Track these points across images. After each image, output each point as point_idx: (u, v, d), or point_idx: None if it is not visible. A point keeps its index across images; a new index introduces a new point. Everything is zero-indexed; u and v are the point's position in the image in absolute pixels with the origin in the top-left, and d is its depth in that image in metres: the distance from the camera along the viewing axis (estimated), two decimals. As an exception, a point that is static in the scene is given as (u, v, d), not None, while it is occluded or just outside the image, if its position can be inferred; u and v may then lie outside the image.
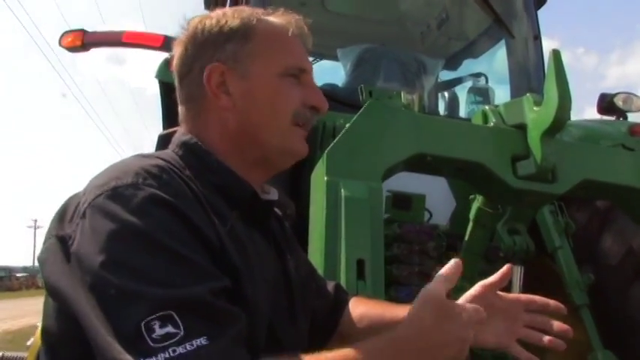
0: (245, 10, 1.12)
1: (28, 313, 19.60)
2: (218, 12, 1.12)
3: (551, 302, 1.25)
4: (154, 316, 0.77)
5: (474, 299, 1.17)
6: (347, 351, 0.89)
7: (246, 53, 1.07)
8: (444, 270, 0.96)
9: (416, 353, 0.89)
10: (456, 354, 0.91)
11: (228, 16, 1.10)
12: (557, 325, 1.23)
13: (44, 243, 0.95)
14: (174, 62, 1.13)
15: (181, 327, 0.78)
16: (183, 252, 0.85)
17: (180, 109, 1.14)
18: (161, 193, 0.89)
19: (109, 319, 0.80)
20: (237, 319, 0.86)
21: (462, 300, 1.19)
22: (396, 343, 0.89)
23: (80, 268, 0.85)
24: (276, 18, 1.13)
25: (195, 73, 1.08)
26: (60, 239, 0.91)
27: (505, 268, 1.20)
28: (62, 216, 0.94)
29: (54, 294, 0.91)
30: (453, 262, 0.98)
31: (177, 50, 1.12)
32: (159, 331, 0.77)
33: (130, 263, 0.82)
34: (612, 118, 3.01)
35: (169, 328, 0.77)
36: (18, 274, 67.05)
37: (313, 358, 0.89)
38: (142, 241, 0.84)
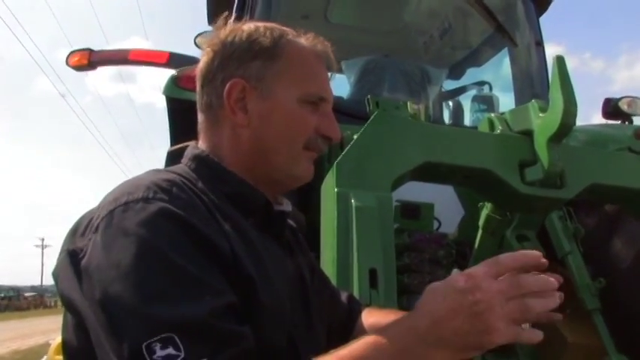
0: (276, 29, 1.12)
1: (36, 332, 19.64)
2: (250, 25, 1.12)
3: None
4: (155, 338, 0.78)
5: None
6: (352, 348, 0.88)
7: (271, 74, 1.08)
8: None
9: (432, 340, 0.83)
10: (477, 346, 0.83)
11: (260, 32, 1.10)
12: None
13: (57, 259, 0.97)
14: (199, 68, 1.13)
15: (182, 349, 0.78)
16: (189, 268, 0.86)
17: (200, 116, 1.15)
18: (171, 207, 0.90)
19: (113, 338, 0.81)
20: (240, 338, 0.86)
21: None
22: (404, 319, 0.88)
23: (90, 282, 0.86)
24: (305, 41, 1.13)
25: (216, 83, 1.09)
26: (70, 253, 0.92)
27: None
28: (75, 231, 0.96)
29: (69, 308, 0.93)
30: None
31: (205, 57, 1.12)
32: (160, 353, 0.78)
33: (135, 279, 0.83)
34: (618, 122, 3.02)
35: (170, 350, 0.78)
36: (26, 294, 67.08)
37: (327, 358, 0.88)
38: (149, 255, 0.85)
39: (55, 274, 0.95)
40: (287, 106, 1.08)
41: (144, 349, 0.78)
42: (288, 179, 1.13)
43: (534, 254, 0.89)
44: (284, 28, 1.14)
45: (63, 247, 0.96)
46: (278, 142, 1.08)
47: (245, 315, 0.90)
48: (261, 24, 1.14)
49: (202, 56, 1.13)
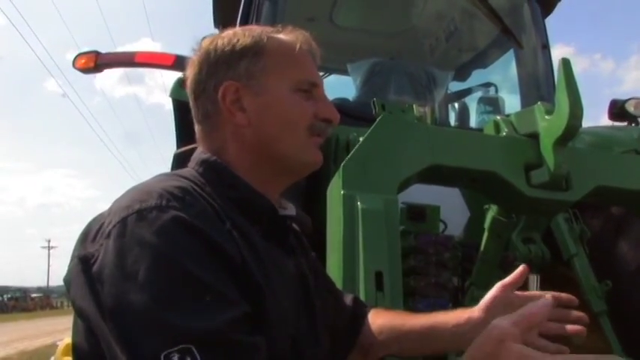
0: (255, 29, 1.15)
1: (43, 333, 19.71)
2: (229, 32, 1.15)
3: (563, 295, 1.26)
4: (173, 349, 0.79)
5: (494, 299, 1.19)
6: None
7: (259, 70, 1.09)
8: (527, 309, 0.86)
9: None
10: None
11: (239, 35, 1.12)
12: (574, 314, 1.25)
13: (69, 264, 0.97)
14: (188, 82, 1.15)
15: None
16: (206, 278, 0.86)
17: (197, 128, 1.16)
18: (185, 215, 0.90)
19: (129, 347, 0.81)
20: (256, 350, 0.87)
21: (482, 302, 1.20)
22: None
23: (102, 290, 0.86)
24: (285, 35, 1.15)
25: (209, 92, 1.10)
26: (82, 259, 0.92)
27: (521, 267, 1.22)
28: (85, 237, 0.96)
29: (81, 316, 0.93)
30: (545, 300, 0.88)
31: (191, 70, 1.14)
32: None
33: (153, 290, 0.83)
34: (624, 124, 3.01)
35: None
36: (33, 295, 67.30)
37: None
38: (166, 266, 0.85)
39: (67, 281, 0.95)
40: (282, 97, 1.10)
41: (162, 359, 0.78)
42: (299, 166, 1.15)
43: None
44: (262, 27, 1.17)
45: (74, 253, 0.96)
46: (280, 132, 1.10)
47: (256, 324, 0.91)
48: (238, 28, 1.16)
49: (188, 70, 1.15)
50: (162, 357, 0.78)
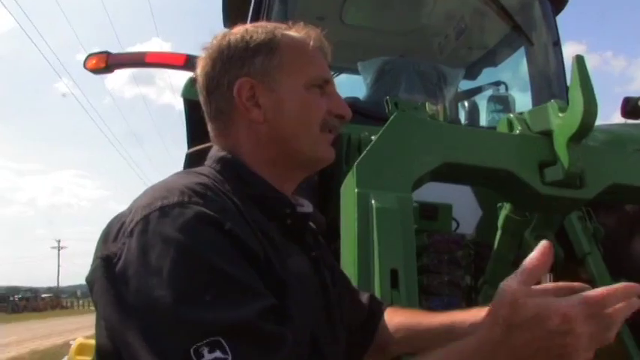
0: (267, 25, 1.15)
1: (53, 333, 19.86)
2: (240, 28, 1.15)
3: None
4: (202, 342, 0.78)
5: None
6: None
7: (274, 66, 1.10)
8: (528, 260, 0.82)
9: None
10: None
11: (252, 31, 1.13)
12: None
13: (91, 265, 0.96)
14: (200, 79, 1.15)
15: (229, 352, 0.79)
16: (232, 271, 0.86)
17: (210, 125, 1.16)
18: (208, 211, 0.90)
19: (157, 345, 0.81)
20: (285, 341, 0.86)
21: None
22: (481, 347, 0.83)
23: (126, 289, 0.86)
24: (297, 32, 1.16)
25: (223, 88, 1.10)
26: (104, 259, 0.91)
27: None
28: (106, 237, 0.95)
29: (103, 319, 0.92)
30: (540, 246, 0.84)
31: (203, 67, 1.14)
32: (207, 356, 0.78)
33: (179, 285, 0.83)
34: (637, 122, 2.99)
35: (218, 354, 0.78)
36: (43, 295, 67.72)
37: None
38: (191, 261, 0.85)
39: (90, 282, 0.94)
40: (296, 94, 1.10)
41: (192, 354, 0.78)
42: (312, 162, 1.15)
43: (633, 289, 0.88)
44: (274, 23, 1.17)
45: (96, 253, 0.95)
46: (295, 128, 1.10)
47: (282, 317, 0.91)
48: (249, 25, 1.16)
49: (199, 66, 1.14)
50: (191, 351, 0.78)
